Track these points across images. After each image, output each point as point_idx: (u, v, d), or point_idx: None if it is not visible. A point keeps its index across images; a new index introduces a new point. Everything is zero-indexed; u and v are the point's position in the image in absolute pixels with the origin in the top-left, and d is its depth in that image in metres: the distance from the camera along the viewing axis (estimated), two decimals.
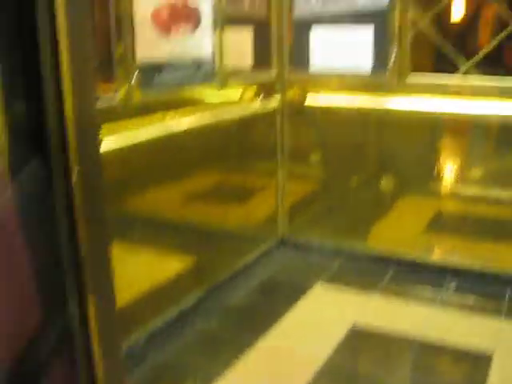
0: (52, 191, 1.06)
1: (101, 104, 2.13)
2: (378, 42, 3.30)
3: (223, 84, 3.06)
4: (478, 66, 3.16)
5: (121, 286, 1.27)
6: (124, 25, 2.38)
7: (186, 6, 2.76)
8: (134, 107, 2.48)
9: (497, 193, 3.27)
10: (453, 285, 3.24)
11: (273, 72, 3.53)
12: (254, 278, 3.38)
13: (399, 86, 3.28)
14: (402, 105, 3.30)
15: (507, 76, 3.14)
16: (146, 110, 2.55)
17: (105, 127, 2.18)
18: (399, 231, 3.49)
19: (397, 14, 3.21)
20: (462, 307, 3.02)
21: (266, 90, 3.45)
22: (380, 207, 3.57)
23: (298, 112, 3.57)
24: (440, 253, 3.41)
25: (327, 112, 3.52)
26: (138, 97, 2.48)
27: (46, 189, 1.06)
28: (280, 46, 3.52)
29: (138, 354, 2.54)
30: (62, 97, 1.05)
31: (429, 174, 3.37)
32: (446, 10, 4.10)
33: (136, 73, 2.45)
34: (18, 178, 0.98)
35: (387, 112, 3.36)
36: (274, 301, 3.15)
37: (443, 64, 3.49)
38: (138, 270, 2.55)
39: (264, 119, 3.51)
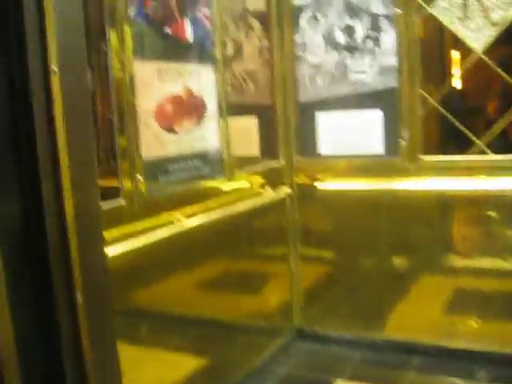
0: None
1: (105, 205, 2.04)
2: (387, 124, 3.25)
3: (231, 175, 3.01)
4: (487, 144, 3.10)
5: None
6: (127, 119, 2.33)
7: (191, 96, 2.72)
8: (140, 206, 2.39)
9: None
10: (483, 374, 3.04)
11: (281, 160, 3.49)
12: (271, 376, 3.19)
13: (412, 168, 3.22)
14: (415, 186, 3.23)
15: None
16: (152, 209, 2.46)
17: (109, 231, 2.09)
18: (419, 315, 3.32)
19: (405, 93, 3.17)
20: None
21: (275, 178, 3.41)
22: (397, 291, 3.42)
23: (308, 197, 3.52)
24: (465, 337, 3.21)
25: (338, 195, 3.46)
26: (143, 194, 2.40)
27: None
28: (287, 133, 3.50)
29: None
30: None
31: (445, 253, 3.26)
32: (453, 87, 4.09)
33: (141, 168, 2.38)
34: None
35: (400, 194, 3.29)
36: None
37: (452, 141, 3.44)
38: (148, 374, 2.39)
39: (274, 207, 3.44)
